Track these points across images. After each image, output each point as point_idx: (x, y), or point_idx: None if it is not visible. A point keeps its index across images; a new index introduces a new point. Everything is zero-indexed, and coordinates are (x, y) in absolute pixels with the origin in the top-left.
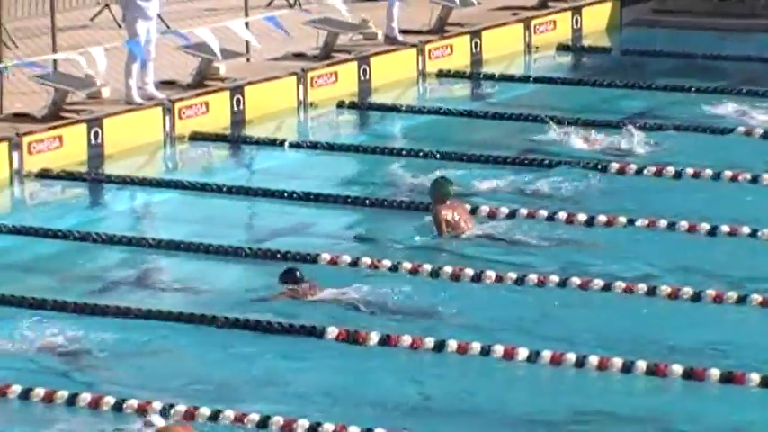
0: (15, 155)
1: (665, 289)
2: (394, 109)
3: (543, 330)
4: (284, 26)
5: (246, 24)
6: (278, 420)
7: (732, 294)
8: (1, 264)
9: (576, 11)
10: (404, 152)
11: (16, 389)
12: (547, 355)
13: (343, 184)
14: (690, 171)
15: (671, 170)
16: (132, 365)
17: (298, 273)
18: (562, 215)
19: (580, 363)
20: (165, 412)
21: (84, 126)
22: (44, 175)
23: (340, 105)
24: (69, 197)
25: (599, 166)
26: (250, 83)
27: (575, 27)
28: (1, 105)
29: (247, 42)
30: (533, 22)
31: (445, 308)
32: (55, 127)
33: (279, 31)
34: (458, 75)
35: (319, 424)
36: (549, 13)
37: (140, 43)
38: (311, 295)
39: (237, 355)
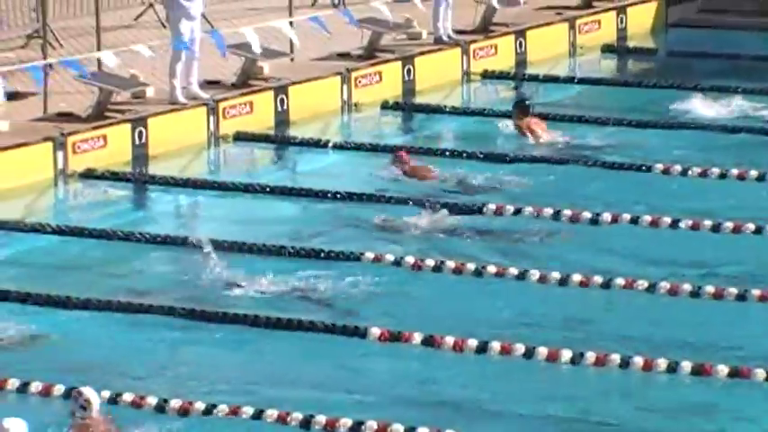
0: (60, 154)
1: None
2: (438, 110)
3: (588, 330)
4: (327, 27)
5: (291, 24)
6: (320, 420)
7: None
8: (45, 263)
9: (621, 10)
10: (447, 153)
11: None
12: (591, 356)
13: (386, 185)
14: (735, 172)
15: (715, 171)
16: (182, 364)
17: None
18: (606, 216)
19: (625, 363)
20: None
21: (128, 126)
22: (88, 174)
23: (384, 106)
24: (113, 197)
25: (643, 167)
26: (294, 83)
27: (619, 27)
28: (46, 105)
29: (291, 42)
30: (578, 22)
31: (489, 307)
32: (99, 126)
33: (323, 30)
34: (502, 75)
35: (362, 423)
36: (593, 13)
37: (185, 42)
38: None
39: (280, 355)
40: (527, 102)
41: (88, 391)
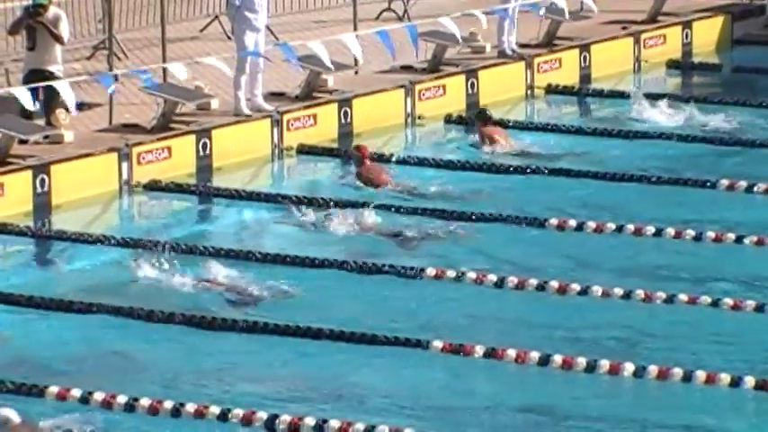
0: (125, 165)
1: None
2: (501, 124)
3: (649, 345)
4: (392, 43)
5: (356, 38)
6: (383, 429)
7: None
8: (109, 275)
9: (687, 25)
10: (511, 169)
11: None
12: (653, 370)
13: (450, 200)
14: None
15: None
16: (248, 375)
17: None
18: (670, 231)
19: (687, 377)
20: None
21: (192, 137)
22: (153, 186)
23: (447, 119)
24: (177, 209)
25: (707, 183)
26: (358, 95)
27: (684, 41)
28: (111, 116)
29: (356, 55)
30: (643, 37)
31: (550, 320)
32: (164, 138)
33: (387, 46)
34: (566, 90)
35: None
36: (658, 28)
37: (250, 54)
38: None
39: (342, 367)
40: (487, 111)
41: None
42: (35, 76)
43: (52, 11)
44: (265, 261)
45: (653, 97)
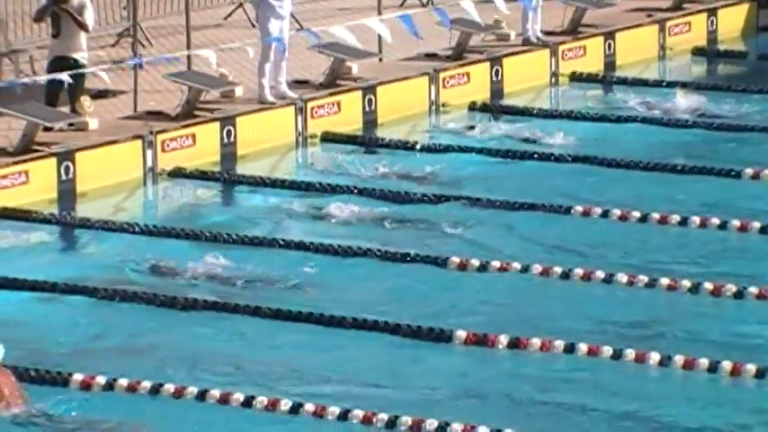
0: (149, 153)
1: None
2: (526, 111)
3: (674, 332)
4: (417, 27)
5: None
6: (406, 420)
7: None
8: (133, 262)
9: (712, 12)
10: (535, 155)
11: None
12: (679, 360)
13: (473, 186)
14: None
15: None
16: (269, 363)
17: None
18: (695, 219)
19: (713, 368)
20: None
21: (217, 124)
22: (177, 173)
23: (471, 107)
24: (201, 196)
25: (732, 172)
26: (382, 83)
27: (710, 29)
28: (136, 103)
29: (380, 42)
30: (668, 24)
31: (572, 309)
32: (188, 125)
33: (413, 33)
34: (590, 78)
35: (448, 424)
36: (683, 15)
37: (274, 41)
38: None
39: (363, 356)
40: None
41: None
42: (60, 63)
43: None
44: (289, 248)
45: (677, 85)
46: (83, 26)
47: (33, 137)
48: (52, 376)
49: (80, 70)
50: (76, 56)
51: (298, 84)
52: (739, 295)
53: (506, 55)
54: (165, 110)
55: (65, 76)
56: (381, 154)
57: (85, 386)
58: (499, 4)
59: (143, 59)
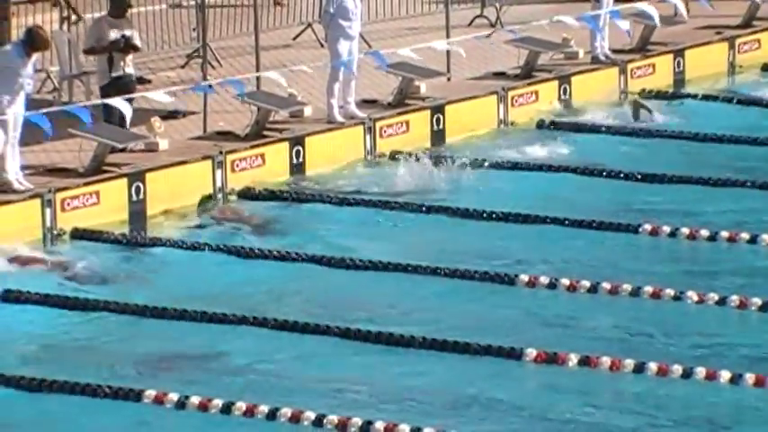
0: (219, 173)
1: None
2: (595, 129)
3: (743, 351)
4: (484, 46)
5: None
6: None
7: None
8: (202, 281)
9: None
10: (605, 173)
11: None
12: (750, 378)
13: (542, 205)
14: None
15: None
16: (335, 379)
17: None
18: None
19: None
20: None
21: (286, 144)
22: (246, 193)
23: (540, 125)
24: (271, 215)
25: None
26: (450, 102)
27: None
28: (205, 124)
29: (448, 61)
30: (737, 41)
31: (645, 328)
32: (257, 145)
33: (480, 48)
34: (660, 94)
35: None
36: (753, 32)
37: (343, 62)
38: None
39: (432, 375)
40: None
41: None
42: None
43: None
44: (358, 268)
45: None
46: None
47: (104, 158)
48: (125, 392)
49: (143, 93)
50: (129, 70)
51: (366, 103)
52: None
53: (575, 73)
54: (234, 130)
55: (120, 103)
56: (449, 171)
57: (158, 401)
58: (569, 22)
59: (211, 85)
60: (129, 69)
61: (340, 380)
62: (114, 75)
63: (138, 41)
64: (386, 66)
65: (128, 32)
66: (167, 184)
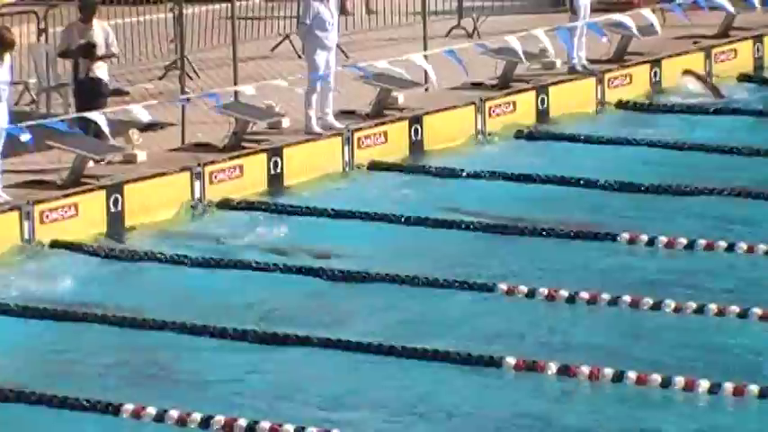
0: (197, 184)
1: None
2: (572, 138)
3: (722, 359)
4: (463, 60)
5: (425, 57)
6: None
7: None
8: (182, 294)
9: (758, 39)
10: (582, 182)
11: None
12: (729, 387)
13: (521, 214)
14: None
15: None
16: (324, 389)
17: None
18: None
19: (764, 394)
20: None
21: (264, 156)
22: (225, 204)
23: (518, 135)
24: (249, 227)
25: None
26: (428, 112)
27: (756, 56)
28: (183, 135)
29: (426, 72)
30: (714, 51)
31: (622, 337)
32: (236, 156)
33: (457, 63)
34: (637, 106)
35: None
36: (729, 42)
37: (320, 75)
38: None
39: (411, 384)
40: None
41: None
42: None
43: (100, 29)
44: (335, 279)
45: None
46: (111, 57)
47: (82, 170)
48: (104, 406)
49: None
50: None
51: (344, 114)
52: None
53: (552, 83)
54: (212, 141)
55: (95, 115)
56: (429, 182)
57: (135, 415)
58: (542, 38)
59: (189, 98)
60: (100, 74)
61: (332, 393)
62: (79, 79)
63: (115, 48)
64: (369, 75)
65: (99, 38)
66: (146, 195)
